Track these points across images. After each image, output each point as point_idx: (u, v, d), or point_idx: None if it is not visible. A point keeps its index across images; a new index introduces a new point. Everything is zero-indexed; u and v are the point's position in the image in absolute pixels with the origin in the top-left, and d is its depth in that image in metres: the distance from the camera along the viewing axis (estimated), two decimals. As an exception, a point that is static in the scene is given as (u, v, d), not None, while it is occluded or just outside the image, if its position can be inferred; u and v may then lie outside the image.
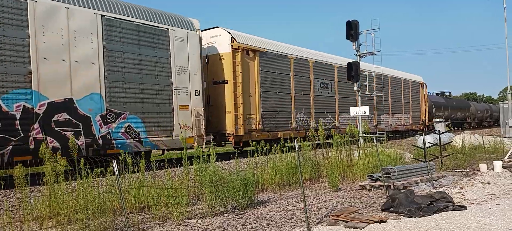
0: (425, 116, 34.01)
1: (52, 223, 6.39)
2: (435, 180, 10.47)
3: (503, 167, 11.90)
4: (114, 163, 5.61)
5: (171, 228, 6.50)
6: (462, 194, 8.76)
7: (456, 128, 44.24)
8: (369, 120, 24.46)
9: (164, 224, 6.76)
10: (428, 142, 13.86)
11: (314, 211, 7.65)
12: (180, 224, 6.69)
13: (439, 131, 15.34)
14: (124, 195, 6.67)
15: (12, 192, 8.58)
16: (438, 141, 14.22)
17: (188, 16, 14.85)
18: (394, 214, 7.23)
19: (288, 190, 9.90)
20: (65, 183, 6.81)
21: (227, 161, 13.24)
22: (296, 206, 8.02)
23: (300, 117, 19.97)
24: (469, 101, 52.52)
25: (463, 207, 7.40)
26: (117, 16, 12.23)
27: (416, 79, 33.55)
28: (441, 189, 9.28)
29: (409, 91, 31.55)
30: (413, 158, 14.47)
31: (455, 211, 7.15)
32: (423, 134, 13.98)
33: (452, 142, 18.40)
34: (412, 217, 6.93)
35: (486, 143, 16.57)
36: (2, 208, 7.88)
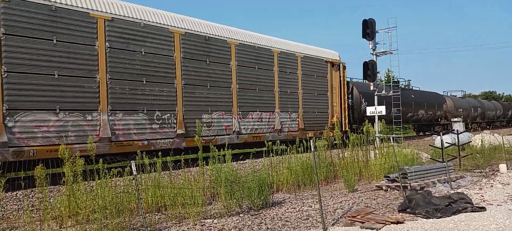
0: (343, 115, 20.26)
1: (72, 222, 6.51)
2: (453, 181, 10.31)
3: (524, 168, 11.63)
4: (132, 163, 5.69)
5: (188, 228, 6.56)
6: (481, 195, 8.61)
7: (421, 133, 32.50)
8: (166, 124, 12.65)
9: (181, 224, 6.82)
10: (446, 142, 13.64)
11: (330, 211, 7.62)
12: (196, 224, 6.74)
13: (457, 130, 15.08)
14: (141, 195, 6.74)
15: (32, 192, 8.77)
16: (457, 140, 13.99)
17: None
18: (411, 215, 7.15)
19: (303, 190, 9.87)
20: (84, 182, 6.94)
21: (242, 161, 13.27)
22: (311, 206, 8.00)
23: None
24: (445, 95, 36.22)
25: (482, 208, 7.26)
26: None
27: (320, 54, 19.26)
28: (459, 190, 9.13)
29: (298, 75, 17.93)
30: (430, 158, 14.27)
31: (474, 213, 7.02)
32: (441, 134, 13.75)
33: (470, 142, 18.07)
34: (429, 218, 6.84)
35: (506, 143, 16.22)
36: (22, 207, 8.06)
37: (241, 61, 15.31)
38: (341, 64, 20.27)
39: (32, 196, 8.62)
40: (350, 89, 22.10)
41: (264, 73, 16.32)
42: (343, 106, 20.26)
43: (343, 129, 19.01)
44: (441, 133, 13.98)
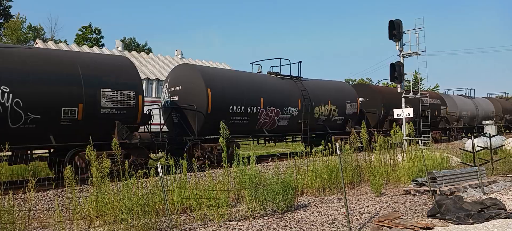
0: None
1: (99, 222, 6.63)
2: (486, 186, 9.95)
3: (562, 173, 11.11)
4: (159, 164, 5.75)
5: (213, 230, 6.57)
6: (515, 201, 8.26)
7: None
8: None
9: (206, 225, 6.84)
10: (478, 146, 13.19)
11: (356, 216, 7.47)
12: (221, 226, 6.74)
13: (489, 133, 14.57)
14: (167, 196, 6.81)
15: (62, 191, 9.00)
16: (489, 144, 13.51)
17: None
18: (441, 220, 6.93)
19: (329, 194, 9.74)
20: (111, 183, 7.05)
21: (266, 164, 13.22)
22: (337, 210, 7.87)
23: None
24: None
25: (517, 215, 6.97)
26: None
27: None
28: (492, 195, 8.82)
29: None
30: (461, 162, 13.84)
31: (508, 219, 6.75)
32: (473, 137, 13.31)
33: (503, 145, 17.42)
34: (461, 224, 6.61)
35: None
36: (52, 207, 8.27)
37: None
38: None
39: (62, 196, 8.84)
40: None
41: None
42: None
43: None
44: (472, 136, 13.54)
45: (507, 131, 34.48)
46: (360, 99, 20.63)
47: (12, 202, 7.25)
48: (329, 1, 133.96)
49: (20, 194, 8.34)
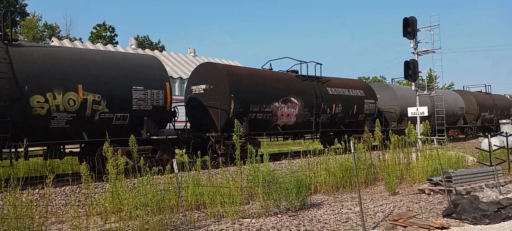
0: None
1: (115, 218, 6.72)
2: (502, 186, 9.80)
3: None
4: (174, 161, 5.80)
5: (226, 227, 6.61)
6: (533, 202, 8.12)
7: None
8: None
9: (219, 222, 6.89)
10: (494, 145, 12.98)
11: (370, 215, 7.44)
12: (235, 223, 6.78)
13: (506, 132, 14.33)
14: (181, 193, 6.86)
15: (78, 187, 9.14)
16: (505, 143, 13.29)
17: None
18: (457, 220, 6.86)
19: (342, 192, 9.71)
20: (126, 180, 7.14)
21: (279, 162, 13.22)
22: (351, 209, 7.85)
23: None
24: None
25: (536, 216, 6.85)
26: None
27: None
28: (509, 195, 8.68)
29: None
30: (477, 162, 13.65)
31: (526, 220, 6.64)
32: (489, 136, 13.09)
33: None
34: (477, 224, 6.54)
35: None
36: (69, 202, 8.42)
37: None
38: None
39: (78, 192, 8.98)
40: None
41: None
42: None
43: None
44: (489, 135, 13.32)
45: (481, 133, 26.97)
46: (202, 86, 14.02)
47: (30, 197, 7.40)
48: (331, 1, 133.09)
49: (38, 190, 8.50)
